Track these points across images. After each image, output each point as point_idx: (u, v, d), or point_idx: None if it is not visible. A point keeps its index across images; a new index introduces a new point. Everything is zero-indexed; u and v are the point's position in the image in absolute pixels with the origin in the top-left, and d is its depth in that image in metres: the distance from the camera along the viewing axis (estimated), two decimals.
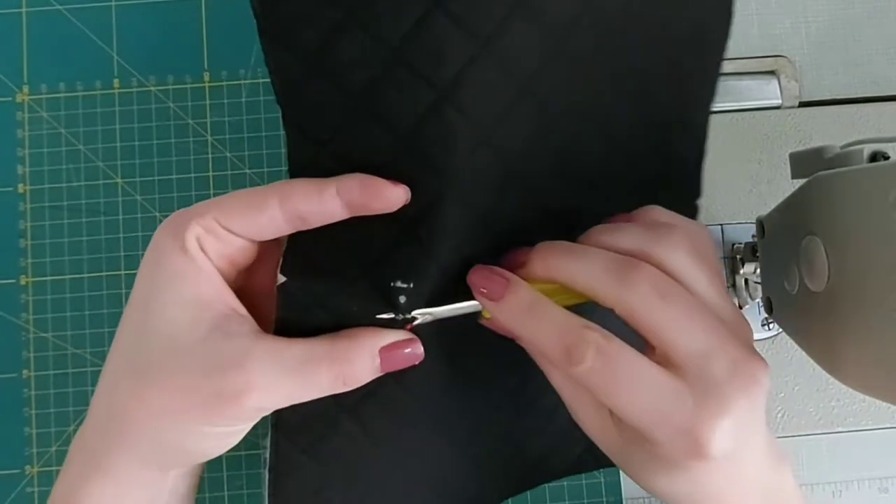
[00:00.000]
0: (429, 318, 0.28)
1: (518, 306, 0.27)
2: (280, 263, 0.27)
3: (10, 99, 0.42)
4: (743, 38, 0.44)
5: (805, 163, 0.31)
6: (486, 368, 0.33)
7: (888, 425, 0.42)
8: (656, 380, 0.25)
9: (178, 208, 0.27)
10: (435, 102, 0.27)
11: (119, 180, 0.42)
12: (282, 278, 0.27)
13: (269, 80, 0.27)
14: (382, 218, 0.27)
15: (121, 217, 0.42)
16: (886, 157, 0.27)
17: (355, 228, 0.27)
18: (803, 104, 0.43)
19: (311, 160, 0.27)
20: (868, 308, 0.25)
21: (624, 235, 0.27)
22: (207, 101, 0.43)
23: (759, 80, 0.43)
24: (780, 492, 0.28)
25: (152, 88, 0.43)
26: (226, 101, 0.43)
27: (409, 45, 0.26)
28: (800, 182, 0.30)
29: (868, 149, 0.27)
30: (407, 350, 0.28)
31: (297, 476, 0.29)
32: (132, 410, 0.26)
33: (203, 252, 0.26)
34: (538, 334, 0.26)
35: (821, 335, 0.28)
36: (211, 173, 0.43)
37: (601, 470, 0.42)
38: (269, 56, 0.27)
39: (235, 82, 0.43)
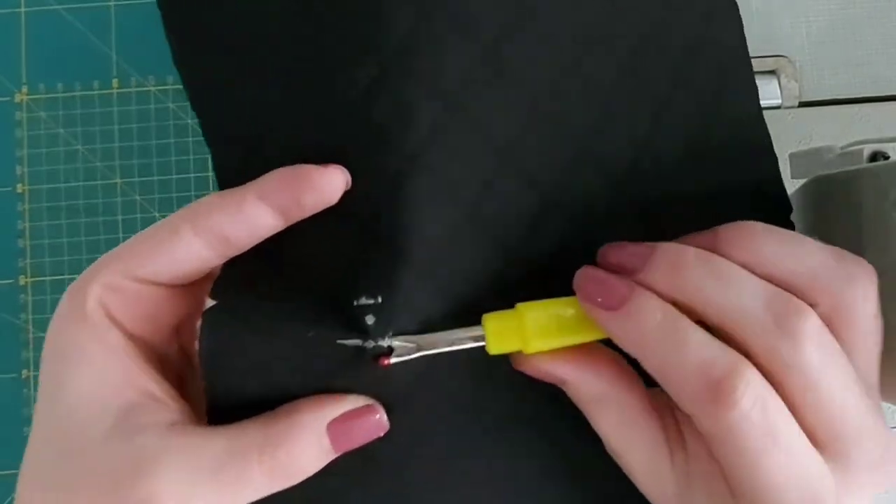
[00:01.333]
0: (412, 351, 0.22)
1: (647, 320, 0.21)
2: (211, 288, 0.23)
3: (9, 99, 0.42)
4: None
5: (805, 163, 0.30)
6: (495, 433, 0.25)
7: (888, 425, 0.42)
8: (807, 458, 0.20)
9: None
10: (379, 74, 0.22)
11: (118, 180, 0.42)
12: (210, 303, 0.22)
13: None
14: (333, 220, 0.22)
15: (120, 217, 0.42)
16: (886, 157, 0.27)
17: (301, 240, 0.23)
18: (803, 104, 0.43)
19: (239, 171, 0.23)
20: None
21: (804, 255, 0.21)
22: None
23: (759, 80, 0.43)
24: None
25: (151, 88, 0.43)
26: None
27: (341, 10, 0.22)
28: (800, 182, 0.30)
29: (868, 149, 0.27)
30: (365, 421, 0.22)
31: None
32: None
33: (110, 318, 0.22)
34: (673, 359, 0.20)
35: None
36: (210, 173, 0.42)
37: None
38: (180, 58, 0.24)
39: None
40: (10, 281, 0.41)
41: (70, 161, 0.42)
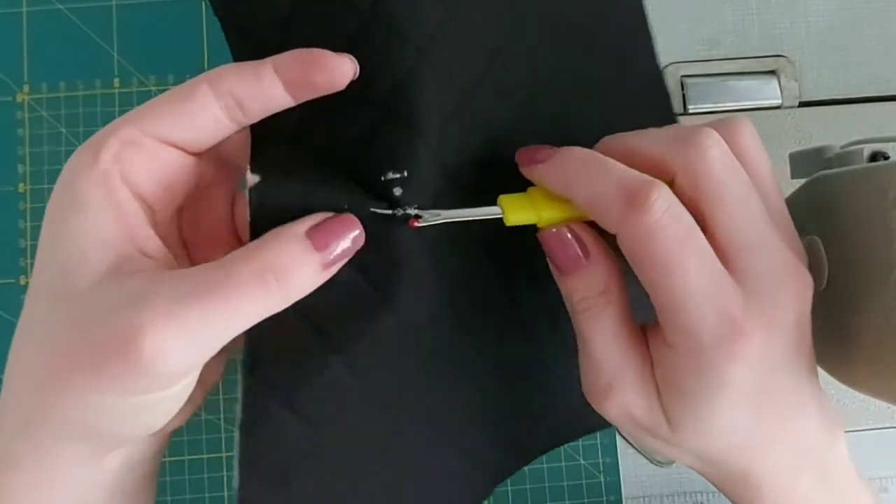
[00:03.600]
0: (437, 219, 0.24)
1: (571, 160, 0.24)
2: (248, 163, 0.24)
3: (11, 98, 0.42)
4: (743, 38, 0.44)
5: (805, 163, 0.31)
6: (509, 307, 0.29)
7: (888, 425, 0.42)
8: (717, 267, 0.22)
9: None
10: None
11: None
12: (253, 179, 0.23)
13: None
14: (353, 106, 0.24)
15: None
16: (886, 157, 0.27)
17: (323, 124, 0.24)
18: (803, 104, 0.43)
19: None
20: (867, 308, 0.25)
21: (670, 127, 0.25)
22: None
23: (759, 80, 0.43)
24: (837, 469, 0.25)
25: (153, 88, 0.43)
26: None
27: None
28: (800, 182, 0.30)
29: (868, 149, 0.27)
30: (342, 225, 0.23)
31: (275, 436, 0.23)
32: (28, 381, 0.22)
33: (123, 177, 0.22)
34: (598, 181, 0.23)
35: (819, 335, 0.28)
36: None
37: (601, 470, 0.42)
38: None
39: None
40: (11, 280, 0.42)
41: None
